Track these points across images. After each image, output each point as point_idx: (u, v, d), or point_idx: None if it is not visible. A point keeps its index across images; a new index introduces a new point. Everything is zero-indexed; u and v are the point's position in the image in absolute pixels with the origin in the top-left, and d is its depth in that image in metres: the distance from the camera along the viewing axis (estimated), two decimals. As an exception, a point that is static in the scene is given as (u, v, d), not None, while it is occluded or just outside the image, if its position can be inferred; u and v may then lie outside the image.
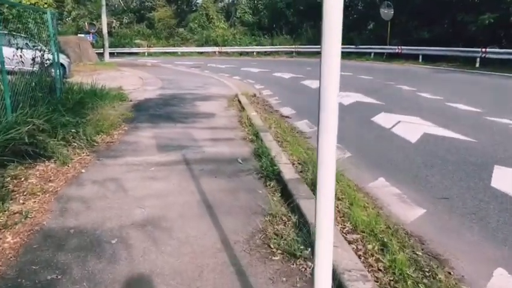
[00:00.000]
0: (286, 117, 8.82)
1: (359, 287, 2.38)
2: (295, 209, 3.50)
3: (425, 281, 2.61)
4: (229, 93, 12.34)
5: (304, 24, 35.60)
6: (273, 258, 2.91)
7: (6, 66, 5.57)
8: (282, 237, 3.11)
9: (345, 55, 28.94)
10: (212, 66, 25.17)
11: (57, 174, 4.66)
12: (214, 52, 38.44)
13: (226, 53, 37.94)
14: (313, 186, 3.97)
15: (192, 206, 3.83)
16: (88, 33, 37.88)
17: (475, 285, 2.72)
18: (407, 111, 8.81)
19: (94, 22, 40.31)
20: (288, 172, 4.36)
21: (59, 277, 2.70)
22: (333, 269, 1.61)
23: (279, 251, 2.97)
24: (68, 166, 4.94)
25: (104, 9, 26.52)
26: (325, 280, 1.57)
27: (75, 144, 5.73)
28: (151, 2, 47.21)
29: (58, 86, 7.18)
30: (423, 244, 3.18)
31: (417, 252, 2.98)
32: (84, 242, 3.17)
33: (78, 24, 46.01)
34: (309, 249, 2.89)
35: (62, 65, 15.99)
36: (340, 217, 3.51)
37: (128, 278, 2.70)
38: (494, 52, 18.60)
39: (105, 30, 27.17)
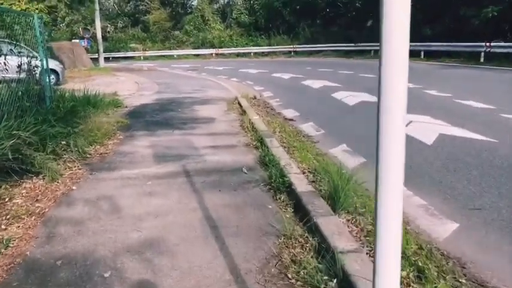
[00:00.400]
0: (290, 120, 8.40)
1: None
2: (313, 229, 3.07)
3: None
4: (228, 96, 11.92)
5: (301, 24, 35.21)
6: (293, 291, 2.48)
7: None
8: (300, 264, 2.69)
9: (344, 53, 28.66)
10: (209, 68, 24.75)
11: (45, 193, 4.23)
12: (211, 54, 38.03)
13: (223, 55, 37.54)
14: (330, 199, 3.55)
15: (194, 227, 3.40)
16: (82, 38, 37.42)
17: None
18: (416, 110, 8.37)
19: (88, 27, 39.80)
20: (300, 184, 3.93)
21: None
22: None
23: (299, 283, 2.55)
24: (58, 182, 4.50)
25: (97, 13, 26.09)
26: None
27: (66, 157, 5.31)
28: (145, 5, 46.76)
29: (48, 94, 6.76)
30: (464, 268, 2.75)
31: (460, 280, 2.55)
32: (73, 276, 2.74)
33: (73, 29, 45.55)
34: (334, 281, 2.46)
35: (54, 71, 15.63)
36: (364, 236, 3.08)
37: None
38: (499, 46, 18.19)
39: (99, 35, 26.73)
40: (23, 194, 4.16)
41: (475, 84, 12.76)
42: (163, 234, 3.28)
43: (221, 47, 38.50)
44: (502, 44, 18.01)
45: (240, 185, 4.38)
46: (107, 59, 35.66)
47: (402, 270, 2.61)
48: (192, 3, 48.48)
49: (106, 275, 2.74)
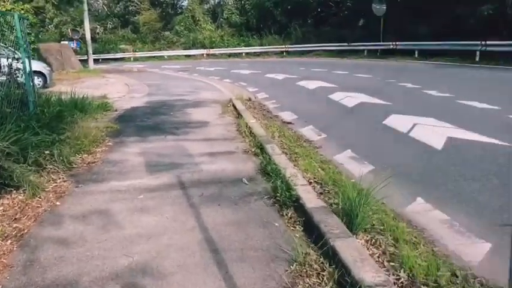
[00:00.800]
0: (289, 123, 8.02)
1: None
2: (330, 253, 2.69)
3: None
4: (222, 98, 11.52)
5: (292, 23, 34.88)
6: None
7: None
8: (319, 300, 2.31)
9: (336, 53, 28.37)
10: (201, 69, 24.31)
11: (25, 210, 3.80)
12: (202, 55, 37.57)
13: (215, 55, 37.09)
14: (344, 216, 3.17)
15: (193, 251, 3.00)
16: (71, 39, 36.82)
17: None
18: (419, 111, 8.06)
19: (77, 28, 39.22)
20: (309, 198, 3.55)
21: None
22: None
23: (320, 323, 2.17)
24: (40, 198, 4.08)
25: (86, 14, 25.49)
26: None
27: (50, 167, 4.87)
28: (135, 6, 46.15)
29: (31, 99, 6.31)
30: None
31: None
32: (52, 317, 2.33)
33: (61, 31, 44.82)
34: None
35: (41, 73, 15.13)
36: (388, 261, 2.71)
37: None
38: (495, 45, 17.97)
39: (88, 36, 26.15)
40: None
41: (475, 84, 12.50)
42: (157, 261, 2.88)
43: (212, 48, 38.05)
44: (498, 42, 17.79)
45: (242, 198, 3.99)
46: (96, 61, 35.03)
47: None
48: (182, 3, 48.00)
49: (91, 314, 2.34)
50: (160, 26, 44.50)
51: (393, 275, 2.52)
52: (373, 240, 2.93)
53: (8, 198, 4.00)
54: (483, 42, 18.33)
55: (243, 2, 40.80)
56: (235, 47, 37.52)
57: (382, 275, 2.32)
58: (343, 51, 28.01)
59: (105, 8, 49.08)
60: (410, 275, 2.52)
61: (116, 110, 9.72)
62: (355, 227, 2.99)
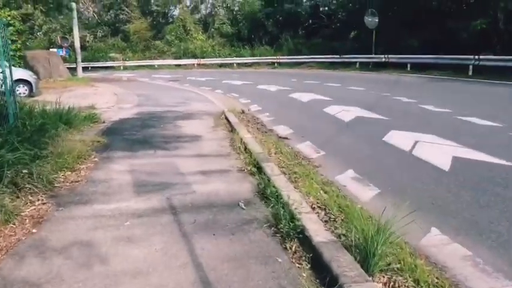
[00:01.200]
0: (285, 138, 7.68)
1: None
2: (346, 302, 2.33)
3: None
4: (214, 110, 11.18)
5: (283, 35, 34.83)
6: None
7: None
8: None
9: (328, 65, 28.26)
10: (192, 79, 23.98)
11: (-5, 239, 3.39)
12: (193, 64, 37.28)
13: (206, 65, 36.82)
14: (358, 253, 2.82)
15: (186, 293, 2.63)
16: (60, 47, 36.33)
17: None
18: (419, 128, 7.80)
19: (66, 36, 38.72)
20: (315, 228, 3.20)
21: None
22: None
23: None
24: (14, 224, 3.67)
25: (75, 22, 25.06)
26: None
27: (29, 187, 4.46)
28: (126, 15, 45.82)
29: (12, 111, 5.89)
30: None
31: None
32: None
33: (50, 38, 44.29)
34: None
35: (27, 82, 14.66)
36: (411, 309, 2.36)
37: None
38: (488, 59, 17.94)
39: (77, 44, 25.68)
40: (-33, 242, 3.32)
41: (471, 99, 12.33)
42: (145, 306, 2.49)
43: (203, 57, 37.80)
44: (492, 57, 17.77)
45: (239, 226, 3.62)
46: (85, 69, 34.58)
47: None
48: (174, 13, 47.78)
49: None
50: (151, 35, 44.19)
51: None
52: (392, 283, 2.58)
53: (-23, 225, 3.59)
54: (476, 57, 18.29)
55: (234, 13, 40.76)
56: (226, 57, 37.33)
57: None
58: (335, 63, 27.92)
59: (96, 16, 48.66)
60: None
61: (104, 122, 9.31)
62: (371, 267, 2.65)
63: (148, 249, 3.24)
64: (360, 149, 6.69)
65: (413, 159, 5.86)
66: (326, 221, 3.58)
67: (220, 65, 36.31)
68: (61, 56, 33.68)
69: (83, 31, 45.02)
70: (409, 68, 22.16)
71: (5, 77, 5.66)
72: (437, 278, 2.71)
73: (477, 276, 2.84)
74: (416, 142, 6.66)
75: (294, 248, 3.15)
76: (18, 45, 16.26)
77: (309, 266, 2.91)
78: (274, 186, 4.27)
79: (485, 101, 11.86)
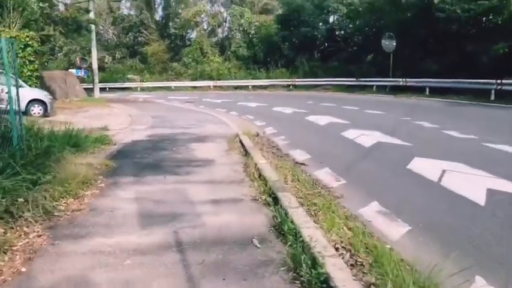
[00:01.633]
0: (302, 164, 7.26)
1: None
2: None
3: None
4: (228, 132, 10.85)
5: (299, 57, 34.72)
6: None
7: None
8: None
9: (344, 88, 27.93)
10: (207, 100, 23.84)
11: (-20, 278, 3.03)
12: (209, 86, 37.35)
13: (221, 87, 36.84)
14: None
15: None
16: (80, 68, 36.88)
17: None
18: (444, 155, 7.32)
19: (86, 57, 39.31)
20: (342, 278, 2.75)
21: None
22: None
23: None
24: (3, 261, 3.31)
25: (94, 43, 25.36)
26: None
27: (28, 215, 4.12)
28: (144, 37, 46.51)
29: (16, 134, 5.62)
30: None
31: None
32: None
33: (70, 59, 45.05)
34: None
35: (42, 102, 14.61)
36: None
37: None
38: (511, 84, 17.36)
39: (95, 65, 25.92)
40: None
41: (496, 124, 11.77)
42: None
43: (219, 79, 37.88)
44: (515, 82, 17.22)
45: (252, 269, 3.20)
46: (103, 90, 34.96)
47: None
48: (191, 36, 48.35)
49: None
50: (168, 57, 44.66)
51: None
52: None
53: (-37, 260, 3.24)
54: (499, 81, 17.73)
55: (250, 36, 40.94)
56: (242, 79, 37.33)
57: None
58: (351, 86, 27.57)
59: (115, 38, 49.53)
60: None
61: (115, 144, 9.04)
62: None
63: (149, 295, 2.84)
64: (383, 177, 6.23)
65: (443, 190, 5.38)
66: (352, 265, 3.13)
67: (236, 87, 36.29)
68: (80, 76, 34.15)
69: (102, 52, 45.80)
70: (427, 92, 21.66)
71: (10, 97, 5.41)
72: None
73: None
74: (444, 171, 6.19)
75: (316, 300, 2.71)
76: (36, 66, 16.29)
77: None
78: (292, 222, 3.85)
79: (510, 126, 11.31)
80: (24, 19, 16.26)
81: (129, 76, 42.61)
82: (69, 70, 33.97)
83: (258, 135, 10.32)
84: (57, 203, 4.70)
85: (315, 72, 32.39)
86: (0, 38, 5.29)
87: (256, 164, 6.55)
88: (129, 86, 41.09)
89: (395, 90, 23.63)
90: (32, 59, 16.05)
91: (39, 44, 17.38)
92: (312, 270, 2.88)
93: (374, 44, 26.40)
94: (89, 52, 37.29)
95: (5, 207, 3.96)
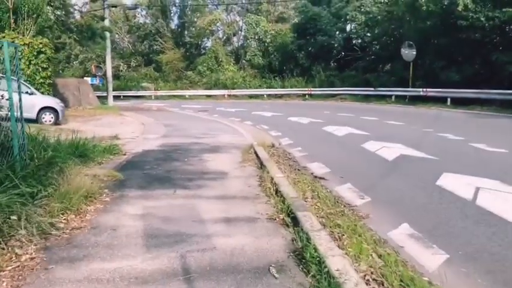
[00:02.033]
0: (321, 178, 6.79)
1: None
2: None
3: None
4: (242, 143, 10.43)
5: (315, 66, 34.29)
6: None
7: None
8: None
9: (362, 98, 27.38)
10: (221, 110, 23.53)
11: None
12: (223, 95, 37.13)
13: (236, 96, 36.59)
14: None
15: None
16: (95, 76, 37.09)
17: None
18: (475, 171, 6.78)
19: (101, 65, 39.54)
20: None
21: None
22: None
23: None
24: (-14, 289, 2.91)
25: (108, 50, 25.31)
26: None
27: (23, 233, 3.74)
28: (159, 45, 46.65)
29: (17, 143, 5.27)
30: None
31: None
32: None
33: (86, 67, 45.44)
34: None
35: (54, 109, 14.41)
36: None
37: None
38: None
39: (109, 73, 25.84)
40: None
41: (527, 137, 11.15)
42: None
43: (234, 88, 37.65)
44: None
45: (270, 306, 2.74)
46: (117, 98, 34.97)
47: None
48: (206, 44, 48.40)
49: None
50: (183, 66, 44.66)
51: None
52: None
53: None
54: (528, 92, 17.07)
55: (266, 45, 40.72)
56: (257, 88, 37.05)
57: None
58: (369, 96, 27.03)
59: (130, 46, 49.82)
60: None
61: (125, 154, 8.68)
62: None
63: (148, 338, 2.40)
64: (411, 195, 5.71)
65: (480, 211, 4.85)
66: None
67: (251, 96, 36.00)
68: (95, 84, 34.24)
69: (117, 61, 46.12)
70: (449, 103, 20.99)
71: (11, 104, 5.07)
72: None
73: None
74: (477, 189, 5.66)
75: None
76: (49, 73, 16.15)
77: None
78: (314, 247, 3.38)
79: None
80: (38, 26, 16.18)
81: (143, 84, 42.71)
82: (84, 78, 34.14)
83: (273, 146, 9.89)
84: (57, 219, 4.31)
85: (332, 82, 31.94)
86: (3, 41, 4.95)
87: (272, 178, 6.10)
88: (144, 94, 41.14)
89: (415, 100, 23.01)
90: (45, 66, 15.91)
91: (53, 51, 17.27)
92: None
93: (392, 53, 25.86)
94: (104, 60, 37.52)
95: (-4, 225, 3.57)
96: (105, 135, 11.38)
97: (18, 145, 5.31)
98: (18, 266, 3.31)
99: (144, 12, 49.85)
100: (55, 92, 18.02)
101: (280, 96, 34.25)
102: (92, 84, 32.75)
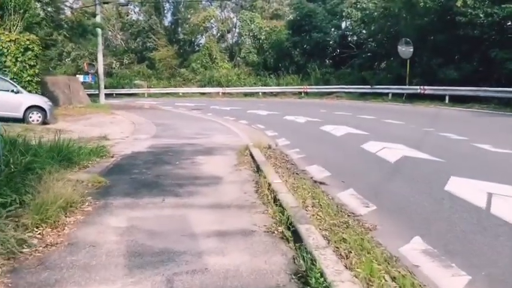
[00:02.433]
0: (321, 183, 6.36)
1: None
2: None
3: None
4: (237, 143, 10.00)
5: (311, 64, 33.88)
6: None
7: None
8: None
9: (358, 96, 27.01)
10: (215, 108, 23.06)
11: None
12: (218, 93, 36.67)
13: (230, 94, 36.13)
14: None
15: None
16: (87, 73, 36.52)
17: None
18: (484, 174, 6.39)
19: (93, 63, 38.94)
20: None
21: None
22: None
23: None
24: None
25: (100, 47, 24.72)
26: None
27: (-13, 252, 3.28)
28: (153, 43, 46.05)
29: (-10, 147, 4.81)
30: None
31: None
32: None
33: (78, 64, 44.76)
34: None
35: (41, 108, 13.89)
36: None
37: None
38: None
39: (100, 70, 25.27)
40: None
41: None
42: None
43: (228, 86, 37.18)
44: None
45: None
46: (110, 96, 34.44)
47: None
48: (200, 41, 47.85)
49: None
50: (176, 63, 44.13)
51: None
52: None
53: None
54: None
55: (260, 42, 40.26)
56: (251, 86, 36.61)
57: None
58: (365, 93, 26.65)
59: (123, 43, 49.15)
60: None
61: (112, 156, 8.21)
62: None
63: None
64: (420, 202, 5.29)
65: (496, 221, 4.43)
66: None
67: (246, 94, 35.57)
68: (87, 82, 33.62)
69: (110, 58, 45.48)
70: (447, 100, 20.63)
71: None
72: None
73: None
74: (490, 195, 5.25)
75: None
76: (37, 71, 15.59)
77: None
78: (321, 273, 2.94)
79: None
80: (25, 22, 15.60)
81: (136, 82, 42.15)
82: (77, 76, 33.56)
83: (270, 147, 9.46)
84: (30, 234, 3.87)
85: (327, 79, 31.56)
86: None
87: (269, 184, 5.66)
88: (136, 92, 40.59)
89: (412, 98, 22.67)
90: (32, 63, 15.36)
91: (42, 48, 16.71)
92: None
93: (389, 50, 25.50)
94: (97, 58, 36.91)
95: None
96: (93, 135, 10.92)
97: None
98: (-24, 295, 2.86)
99: (137, 9, 49.26)
100: (45, 90, 17.48)
101: (276, 94, 33.82)
102: (84, 82, 32.19)
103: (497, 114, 16.01)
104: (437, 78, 21.05)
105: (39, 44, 15.92)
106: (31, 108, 13.60)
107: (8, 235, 3.53)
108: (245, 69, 39.94)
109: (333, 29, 34.81)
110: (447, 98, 20.67)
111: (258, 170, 6.99)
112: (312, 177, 6.75)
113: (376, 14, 27.55)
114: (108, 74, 42.62)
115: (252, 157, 8.10)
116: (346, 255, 3.47)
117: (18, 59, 15.06)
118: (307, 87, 32.07)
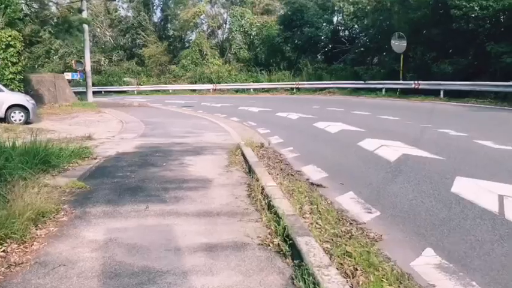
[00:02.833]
0: (318, 185, 5.94)
1: None
2: None
3: None
4: (228, 142, 9.58)
5: (302, 59, 33.47)
6: None
7: None
8: None
9: (351, 91, 26.64)
10: (206, 105, 22.59)
11: None
12: (209, 90, 36.12)
13: (221, 91, 35.58)
14: None
15: None
16: (76, 71, 35.76)
17: None
18: (491, 174, 6.02)
19: (81, 60, 38.16)
20: None
21: None
22: None
23: None
24: None
25: (87, 44, 24.05)
26: None
27: None
28: (142, 39, 45.30)
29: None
30: None
31: None
32: None
33: (66, 62, 43.90)
34: None
35: (24, 107, 13.31)
36: None
37: None
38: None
39: (88, 68, 24.60)
40: None
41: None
42: None
43: (219, 83, 36.63)
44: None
45: None
46: (98, 93, 33.77)
47: None
48: (190, 37, 47.19)
49: None
50: (166, 60, 43.47)
51: None
52: None
53: None
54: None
55: (251, 37, 39.75)
56: (243, 82, 36.10)
57: None
58: (359, 89, 26.29)
59: (112, 40, 48.31)
60: None
61: (96, 158, 7.72)
62: None
63: None
64: (426, 207, 4.88)
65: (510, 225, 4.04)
66: None
67: (237, 91, 35.08)
68: (76, 79, 32.88)
69: (98, 55, 44.66)
70: (442, 95, 20.32)
71: None
72: None
73: None
74: (501, 198, 4.87)
75: None
76: (19, 68, 14.97)
77: None
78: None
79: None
80: (7, 17, 14.96)
81: (125, 79, 41.44)
82: (65, 73, 32.80)
83: (262, 146, 9.04)
84: (-7, 252, 3.39)
85: (319, 75, 31.16)
86: None
87: (263, 188, 5.23)
88: (126, 89, 39.92)
89: (407, 93, 22.37)
90: (14, 60, 14.75)
91: (24, 44, 16.08)
92: None
93: (382, 45, 25.15)
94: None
95: None
96: (78, 135, 10.41)
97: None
98: None
99: (125, 5, 48.41)
100: (29, 88, 16.85)
101: (267, 90, 33.37)
102: (72, 80, 31.47)
103: (494, 109, 15.72)
104: (432, 73, 20.75)
105: (22, 40, 15.30)
106: (13, 107, 13.03)
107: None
108: (236, 65, 39.42)
109: (324, 24, 34.37)
110: (442, 92, 20.36)
111: (251, 171, 6.57)
112: (308, 179, 6.33)
113: (368, 7, 27.18)
114: (97, 71, 41.87)
115: (244, 157, 7.67)
116: (352, 273, 3.05)
117: (0, 56, 14.45)
118: (299, 82, 31.65)
